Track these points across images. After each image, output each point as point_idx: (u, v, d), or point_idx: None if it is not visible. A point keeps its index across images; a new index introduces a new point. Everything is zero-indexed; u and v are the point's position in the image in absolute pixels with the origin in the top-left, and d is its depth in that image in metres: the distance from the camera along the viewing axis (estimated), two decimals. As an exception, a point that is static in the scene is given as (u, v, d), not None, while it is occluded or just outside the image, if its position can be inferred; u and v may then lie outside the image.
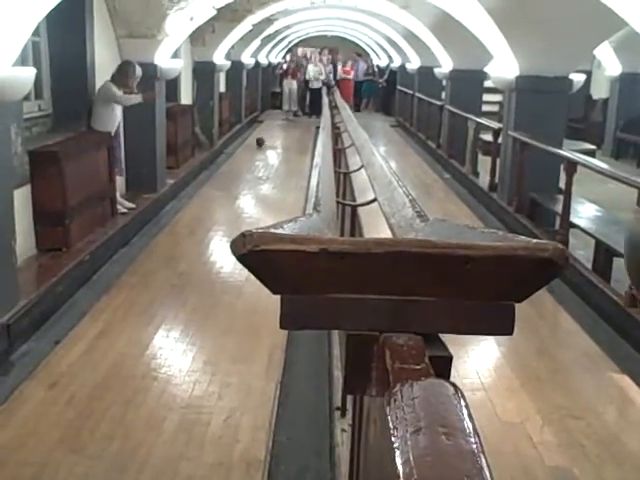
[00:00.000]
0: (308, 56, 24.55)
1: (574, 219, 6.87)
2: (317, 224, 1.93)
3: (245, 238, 1.23)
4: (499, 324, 1.32)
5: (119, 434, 3.60)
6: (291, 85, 22.41)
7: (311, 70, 22.67)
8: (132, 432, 3.62)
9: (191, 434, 3.63)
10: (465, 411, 0.88)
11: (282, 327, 1.34)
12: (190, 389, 4.13)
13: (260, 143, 15.10)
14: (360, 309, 1.30)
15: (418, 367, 1.11)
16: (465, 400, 0.92)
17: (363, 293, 1.29)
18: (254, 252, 1.22)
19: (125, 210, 7.72)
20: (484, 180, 10.26)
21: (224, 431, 3.66)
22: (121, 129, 7.88)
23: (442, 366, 1.29)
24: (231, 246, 1.25)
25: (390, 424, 0.88)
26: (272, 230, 1.41)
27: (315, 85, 22.33)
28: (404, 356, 1.15)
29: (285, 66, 24.11)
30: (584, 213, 7.35)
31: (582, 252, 6.86)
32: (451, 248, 1.22)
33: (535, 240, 1.30)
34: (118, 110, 7.49)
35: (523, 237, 1.38)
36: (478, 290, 1.28)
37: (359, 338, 1.35)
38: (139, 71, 7.58)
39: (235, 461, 3.41)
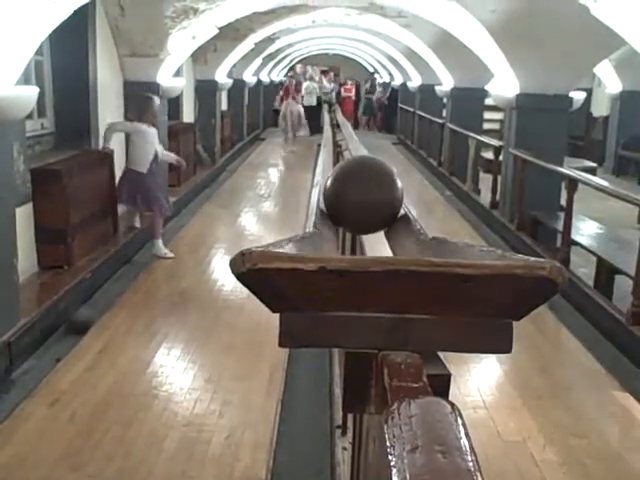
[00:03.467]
0: (303, 72, 24.47)
1: (575, 236, 6.88)
2: (317, 242, 1.94)
3: (244, 257, 1.24)
4: (498, 342, 1.33)
5: (120, 452, 3.59)
6: (292, 107, 20.52)
7: (304, 87, 22.71)
8: (133, 450, 3.61)
9: (192, 453, 3.62)
10: (462, 429, 0.88)
11: (281, 345, 1.34)
12: (191, 407, 4.12)
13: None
14: (359, 327, 1.30)
15: (416, 385, 1.11)
16: (462, 418, 0.92)
17: (362, 311, 1.29)
18: (253, 271, 1.23)
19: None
20: (485, 198, 10.28)
21: (225, 450, 3.65)
22: (160, 167, 7.73)
23: (440, 384, 1.30)
24: (230, 265, 1.26)
25: (387, 442, 0.88)
26: (271, 248, 1.42)
27: (308, 102, 22.33)
28: (402, 374, 1.15)
29: (287, 84, 22.60)
30: (585, 230, 7.36)
31: (584, 269, 6.86)
32: (449, 267, 1.23)
33: (533, 258, 1.31)
34: (150, 146, 7.24)
35: (521, 255, 1.39)
36: (476, 308, 1.29)
37: (358, 356, 1.36)
38: (157, 104, 7.42)
39: (236, 480, 3.40)
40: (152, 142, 7.26)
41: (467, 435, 0.88)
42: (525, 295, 1.27)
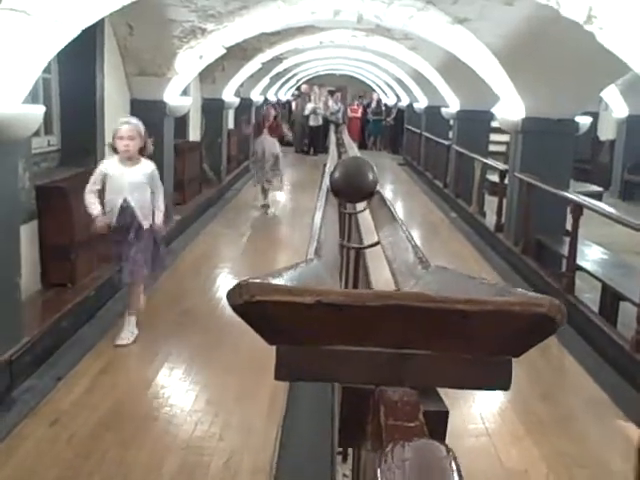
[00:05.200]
0: (307, 93, 24.43)
1: (580, 262, 6.85)
2: (318, 270, 1.93)
3: (241, 289, 1.23)
4: (496, 379, 1.31)
5: (118, 476, 3.57)
6: (267, 145, 11.99)
7: (308, 108, 22.73)
8: (131, 474, 3.59)
9: (191, 477, 3.60)
10: (456, 475, 0.87)
11: (277, 378, 1.33)
12: (191, 430, 4.10)
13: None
14: (356, 362, 1.29)
15: (412, 425, 1.10)
16: (457, 463, 0.91)
17: (360, 346, 1.28)
18: (250, 303, 1.22)
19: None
20: (490, 220, 10.27)
21: (224, 474, 3.62)
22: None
23: (437, 421, 1.28)
24: (227, 296, 1.25)
25: (380, 488, 0.87)
26: (269, 279, 1.41)
27: (313, 122, 22.35)
28: (398, 413, 1.14)
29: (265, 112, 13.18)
30: (590, 256, 7.34)
31: (589, 295, 6.83)
32: (449, 302, 1.22)
33: (532, 294, 1.29)
34: (121, 189, 5.30)
35: (521, 290, 1.37)
36: (475, 345, 1.27)
37: (355, 391, 1.34)
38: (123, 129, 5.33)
39: (234, 505, 3.37)
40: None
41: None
42: (524, 332, 1.26)
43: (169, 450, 3.85)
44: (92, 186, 5.30)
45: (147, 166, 5.43)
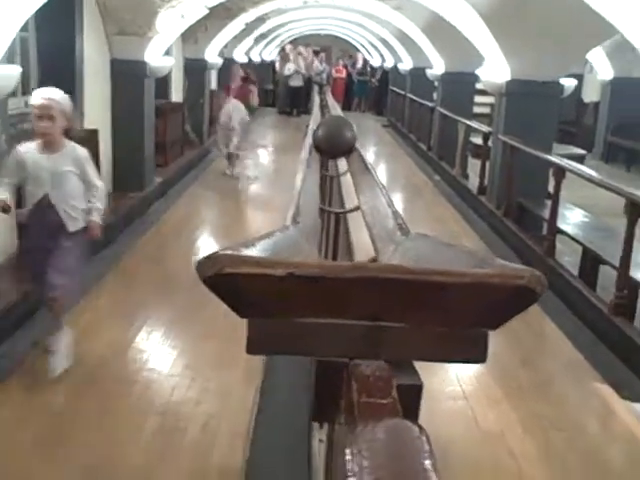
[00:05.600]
0: (290, 53, 24.13)
1: (561, 225, 6.85)
2: (295, 238, 1.89)
3: (210, 260, 1.18)
4: (471, 352, 1.28)
5: (96, 441, 3.55)
6: (231, 111, 10.90)
7: (289, 68, 22.47)
8: (109, 439, 3.57)
9: (169, 441, 3.59)
10: (428, 460, 0.84)
11: (249, 352, 1.29)
12: (169, 394, 4.08)
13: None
14: (330, 335, 1.25)
15: (384, 402, 1.07)
16: (430, 444, 0.88)
17: (333, 318, 1.24)
18: (220, 275, 1.18)
19: None
20: (473, 183, 10.25)
21: (202, 438, 3.61)
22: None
23: (411, 395, 1.26)
24: (196, 268, 1.21)
25: (349, 471, 0.84)
26: (242, 249, 1.36)
27: (294, 83, 22.10)
28: (371, 388, 1.11)
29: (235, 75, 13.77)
30: (572, 219, 7.34)
31: (569, 258, 6.85)
32: (426, 274, 1.18)
33: (512, 265, 1.26)
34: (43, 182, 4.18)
35: (501, 261, 1.34)
36: (451, 317, 1.24)
37: (328, 364, 1.31)
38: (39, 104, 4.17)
39: (212, 469, 3.37)
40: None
41: (434, 465, 0.84)
42: (502, 304, 1.23)
43: (147, 414, 3.83)
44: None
45: (74, 151, 4.26)
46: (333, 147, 3.60)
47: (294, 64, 22.54)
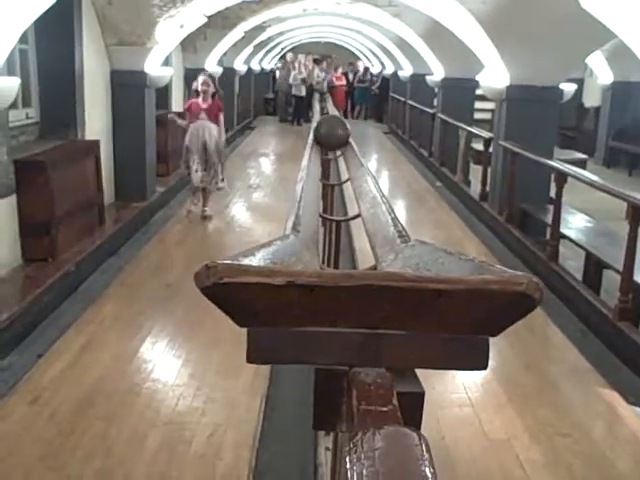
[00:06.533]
0: (292, 61, 24.12)
1: (564, 230, 6.85)
2: (294, 247, 1.89)
3: (209, 270, 1.19)
4: (472, 358, 1.28)
5: (100, 452, 3.54)
6: (204, 130, 8.50)
7: (296, 77, 22.47)
8: (113, 450, 3.56)
9: (173, 452, 3.58)
10: (427, 467, 0.84)
11: (249, 361, 1.29)
12: (174, 404, 4.07)
13: None
14: (329, 343, 1.25)
15: (385, 409, 1.07)
16: (429, 452, 0.88)
17: (332, 326, 1.24)
18: (218, 285, 1.18)
19: None
20: (475, 189, 10.24)
21: (207, 448, 3.60)
22: None
23: (412, 403, 1.25)
24: (195, 278, 1.21)
25: (349, 478, 0.84)
26: (242, 258, 1.37)
27: (297, 92, 22.09)
28: (371, 396, 1.11)
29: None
30: (575, 224, 7.33)
31: (573, 262, 6.84)
32: (422, 282, 1.18)
33: (510, 272, 1.26)
34: None
35: (499, 267, 1.34)
36: (451, 324, 1.24)
37: (328, 373, 1.31)
38: None
39: (217, 480, 3.36)
40: None
41: (432, 471, 0.84)
42: (501, 311, 1.23)
43: (152, 425, 3.82)
44: None
45: None
46: (331, 141, 4.41)
47: (299, 73, 22.53)
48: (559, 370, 4.93)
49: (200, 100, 8.48)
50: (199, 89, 8.45)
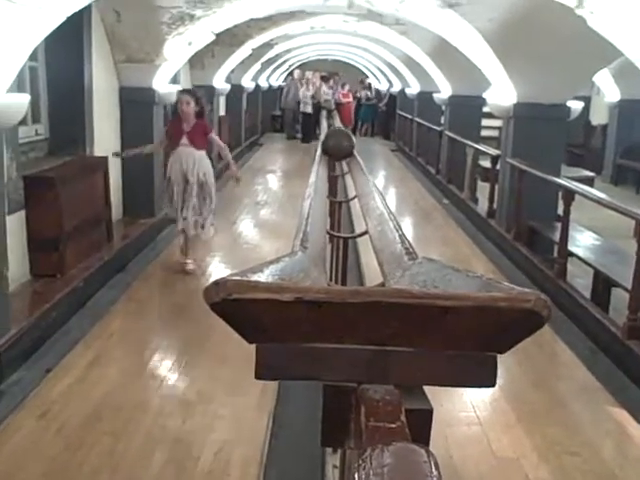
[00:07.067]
0: (300, 78, 24.24)
1: (572, 247, 6.84)
2: (302, 264, 1.90)
3: (218, 286, 1.19)
4: (481, 375, 1.28)
5: (107, 468, 3.54)
6: (188, 163, 6.81)
7: (306, 94, 22.57)
8: (120, 466, 3.56)
9: (181, 468, 3.57)
10: (435, 480, 0.84)
11: (257, 377, 1.30)
12: (182, 420, 4.07)
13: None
14: (337, 359, 1.26)
15: (393, 426, 1.07)
16: (438, 468, 0.88)
17: (340, 343, 1.25)
18: (227, 301, 1.19)
19: None
20: (483, 206, 10.24)
21: (214, 465, 3.60)
22: None
23: (421, 420, 1.25)
24: (204, 294, 1.22)
25: (357, 496, 0.84)
26: (250, 275, 1.37)
27: (306, 109, 22.17)
28: (379, 413, 1.11)
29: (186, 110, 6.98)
30: (582, 241, 7.32)
31: (581, 280, 6.81)
32: (429, 298, 1.18)
33: (518, 289, 1.26)
34: None
35: (507, 285, 1.34)
36: (458, 341, 1.24)
37: (336, 389, 1.32)
38: None
39: (224, 497, 3.35)
40: None
41: (441, 487, 0.84)
42: (509, 328, 1.23)
43: (159, 441, 3.82)
44: None
45: None
46: (337, 151, 4.83)
47: (307, 89, 22.62)
48: (568, 388, 4.91)
49: (183, 123, 6.82)
50: (179, 109, 6.85)
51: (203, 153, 6.91)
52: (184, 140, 6.77)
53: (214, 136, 7.15)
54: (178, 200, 6.80)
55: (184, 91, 7.23)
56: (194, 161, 6.77)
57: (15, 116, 4.66)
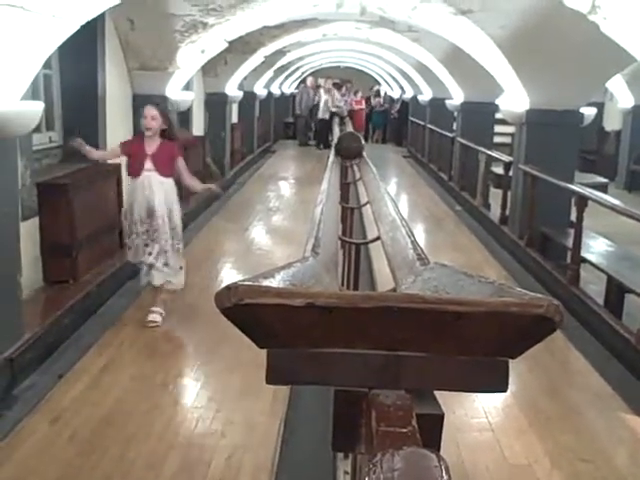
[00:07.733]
0: (313, 85, 24.28)
1: (585, 254, 6.81)
2: (314, 269, 1.90)
3: (230, 291, 1.20)
4: (492, 381, 1.28)
5: (119, 473, 3.55)
6: (152, 193, 5.60)
7: (320, 99, 22.58)
8: (132, 471, 3.57)
9: (192, 474, 3.58)
10: (446, 486, 0.84)
11: (268, 382, 1.30)
12: (193, 426, 4.08)
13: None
14: (349, 364, 1.26)
15: (404, 430, 1.07)
16: (448, 473, 0.88)
17: (352, 348, 1.25)
18: (239, 306, 1.19)
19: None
20: (495, 213, 10.21)
21: (225, 471, 3.60)
22: None
23: (432, 425, 1.25)
24: (215, 299, 1.22)
25: (368, 500, 0.84)
26: (261, 280, 1.37)
27: (322, 115, 22.18)
28: (390, 418, 1.11)
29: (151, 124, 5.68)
30: (596, 248, 7.29)
31: (594, 287, 6.78)
32: (442, 304, 1.18)
33: (531, 294, 1.26)
34: None
35: (519, 290, 1.34)
36: (470, 346, 1.24)
37: (347, 394, 1.31)
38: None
39: (235, 503, 3.35)
40: None
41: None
42: (521, 333, 1.23)
43: (171, 447, 3.82)
44: None
45: None
46: (349, 152, 5.56)
47: (324, 97, 22.61)
48: (581, 395, 4.88)
49: (145, 144, 5.59)
50: (142, 126, 5.63)
51: (171, 181, 5.75)
52: (148, 164, 5.55)
53: (181, 163, 5.78)
54: (140, 244, 5.62)
55: (150, 104, 5.72)
56: (160, 192, 5.61)
57: (29, 123, 4.70)
